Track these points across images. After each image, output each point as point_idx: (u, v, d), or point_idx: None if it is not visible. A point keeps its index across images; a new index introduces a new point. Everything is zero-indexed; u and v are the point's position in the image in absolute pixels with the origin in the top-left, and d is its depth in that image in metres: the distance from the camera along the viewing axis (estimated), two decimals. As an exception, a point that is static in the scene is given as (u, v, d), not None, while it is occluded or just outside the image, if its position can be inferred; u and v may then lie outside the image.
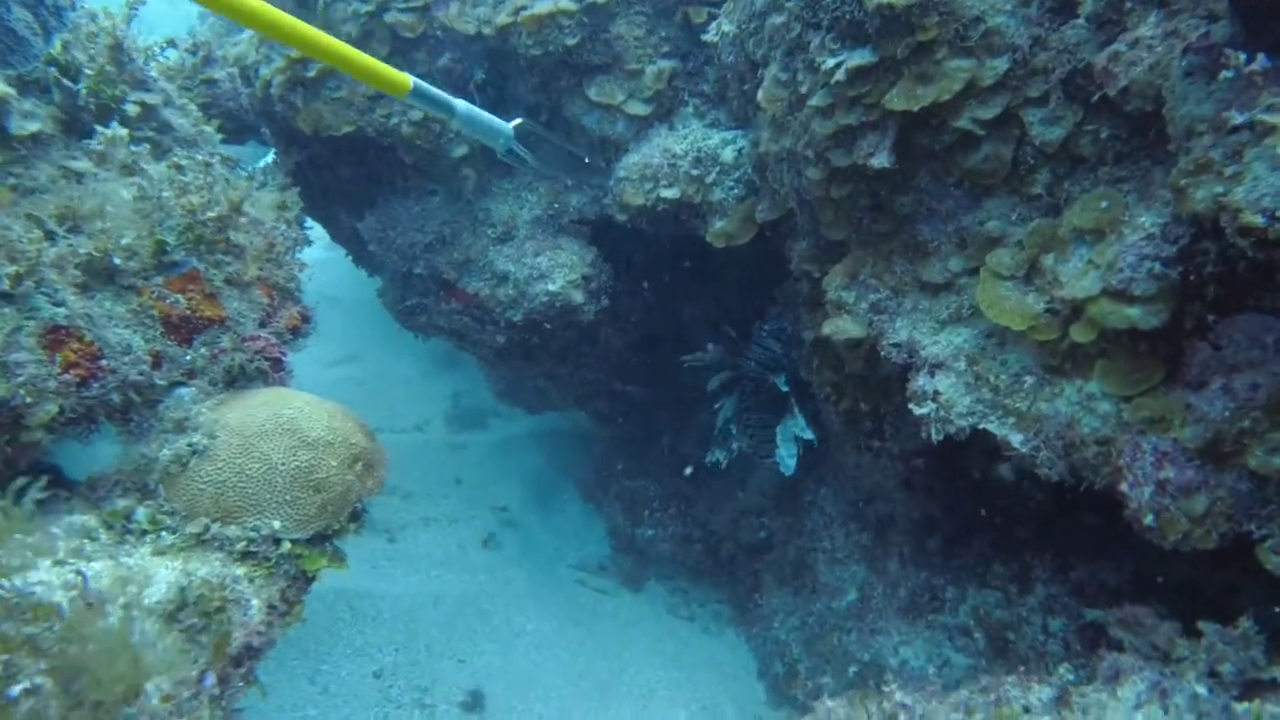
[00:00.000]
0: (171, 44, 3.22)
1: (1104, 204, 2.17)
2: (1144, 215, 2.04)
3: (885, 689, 2.06)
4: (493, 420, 6.40)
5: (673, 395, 4.70)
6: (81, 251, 2.21)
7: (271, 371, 2.52)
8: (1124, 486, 2.09)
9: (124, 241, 2.33)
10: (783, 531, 4.23)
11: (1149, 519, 2.01)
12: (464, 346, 3.87)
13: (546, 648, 4.50)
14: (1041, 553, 3.15)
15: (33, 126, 2.49)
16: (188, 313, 2.41)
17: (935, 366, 2.53)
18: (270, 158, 3.51)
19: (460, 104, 2.55)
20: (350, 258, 3.95)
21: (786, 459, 3.68)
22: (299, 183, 3.55)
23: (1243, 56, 1.58)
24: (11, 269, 2.06)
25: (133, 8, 2.74)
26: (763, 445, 4.00)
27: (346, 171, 3.58)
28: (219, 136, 3.08)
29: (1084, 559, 3.05)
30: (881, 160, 2.41)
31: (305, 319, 2.74)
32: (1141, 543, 2.60)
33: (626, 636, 4.57)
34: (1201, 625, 1.98)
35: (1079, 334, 2.12)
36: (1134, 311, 1.99)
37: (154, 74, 2.91)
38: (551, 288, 3.33)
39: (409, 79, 2.34)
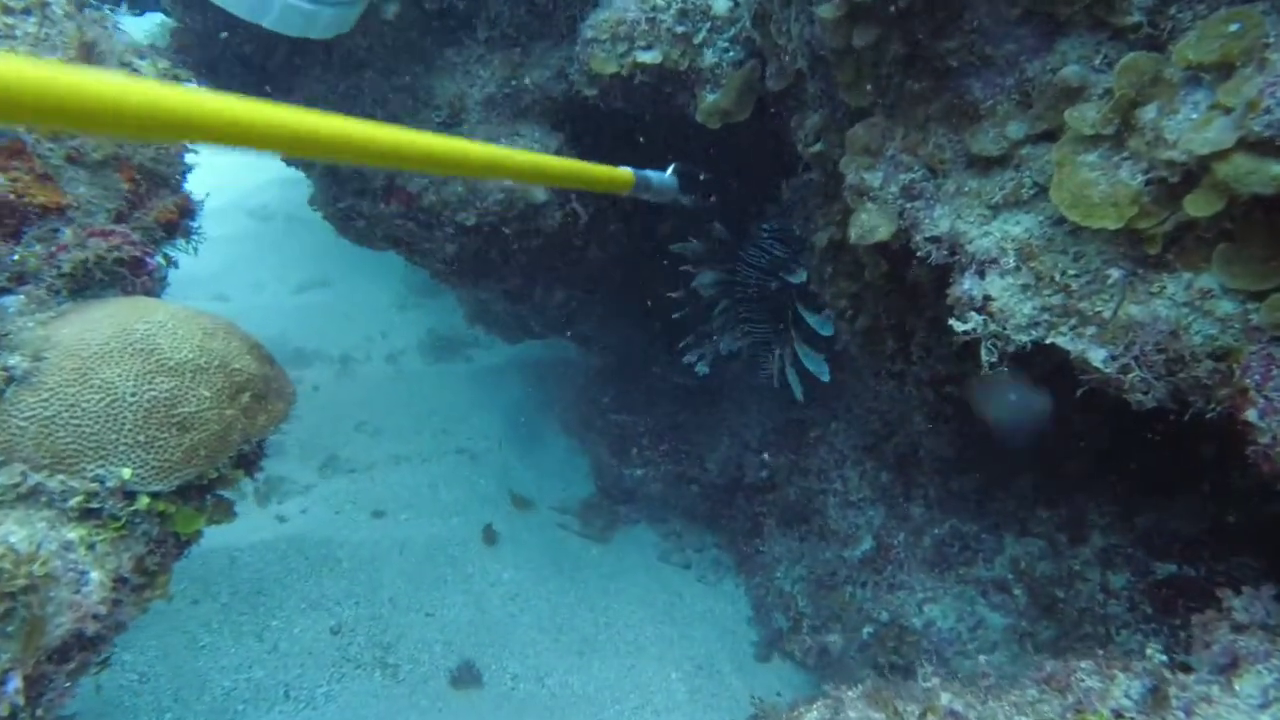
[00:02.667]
0: None
1: (1233, 27, 1.56)
2: (1303, 32, 1.44)
3: (925, 684, 1.55)
4: (471, 350, 5.88)
5: (665, 318, 4.14)
6: None
7: (131, 275, 1.96)
8: (1251, 414, 1.54)
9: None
10: (787, 470, 3.71)
11: (1290, 458, 1.47)
12: (413, 259, 3.30)
13: (524, 599, 4.06)
14: (1098, 495, 2.63)
15: None
16: (12, 198, 1.84)
17: (986, 264, 1.96)
18: (160, 21, 2.88)
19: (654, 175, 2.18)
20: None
21: (795, 380, 3.23)
22: (214, 58, 2.94)
23: None
24: None
25: None
26: (757, 356, 3.58)
27: (264, 44, 2.95)
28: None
29: (1151, 503, 2.53)
30: (923, -19, 1.79)
31: (185, 213, 2.17)
32: (1227, 483, 2.07)
33: (613, 586, 4.12)
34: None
35: (1198, 206, 1.54)
36: (1286, 169, 1.41)
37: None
38: (508, 183, 2.73)
39: (630, 173, 1.95)
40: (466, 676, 3.62)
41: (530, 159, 1.43)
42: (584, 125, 2.93)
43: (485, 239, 2.97)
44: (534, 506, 4.62)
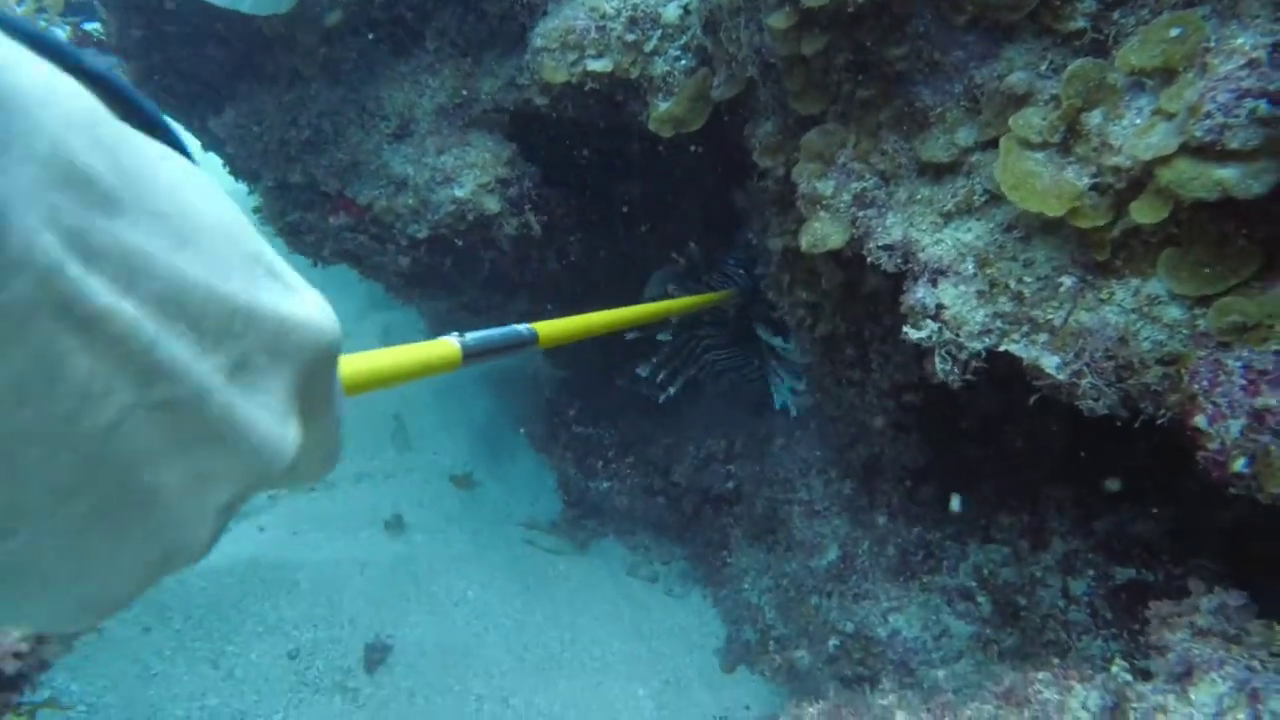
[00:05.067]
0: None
1: (1175, 31, 1.56)
2: (1240, 35, 1.44)
3: (881, 701, 1.52)
4: (434, 364, 5.79)
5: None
6: None
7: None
8: (1199, 420, 1.53)
9: None
10: (752, 481, 3.68)
11: (1240, 464, 1.46)
12: (368, 274, 3.23)
13: (489, 617, 3.98)
14: (1058, 500, 2.62)
15: None
16: None
17: (938, 273, 1.95)
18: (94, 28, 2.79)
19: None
20: (227, 168, 3.26)
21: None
22: (151, 67, 2.86)
23: None
24: None
25: None
26: (718, 375, 3.76)
27: (216, 53, 2.87)
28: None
29: (1109, 506, 2.53)
30: (867, -12, 1.77)
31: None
32: (1185, 487, 2.07)
33: (579, 602, 4.05)
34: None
35: (1144, 213, 1.53)
36: (1228, 173, 1.40)
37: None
38: (459, 193, 2.68)
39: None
40: (430, 699, 3.53)
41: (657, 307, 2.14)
42: (536, 135, 2.89)
43: (439, 251, 2.91)
44: (477, 485, 4.59)
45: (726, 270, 3.57)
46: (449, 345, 1.02)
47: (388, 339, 5.85)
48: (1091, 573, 2.44)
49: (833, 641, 2.90)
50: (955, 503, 2.70)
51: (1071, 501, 2.59)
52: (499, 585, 4.13)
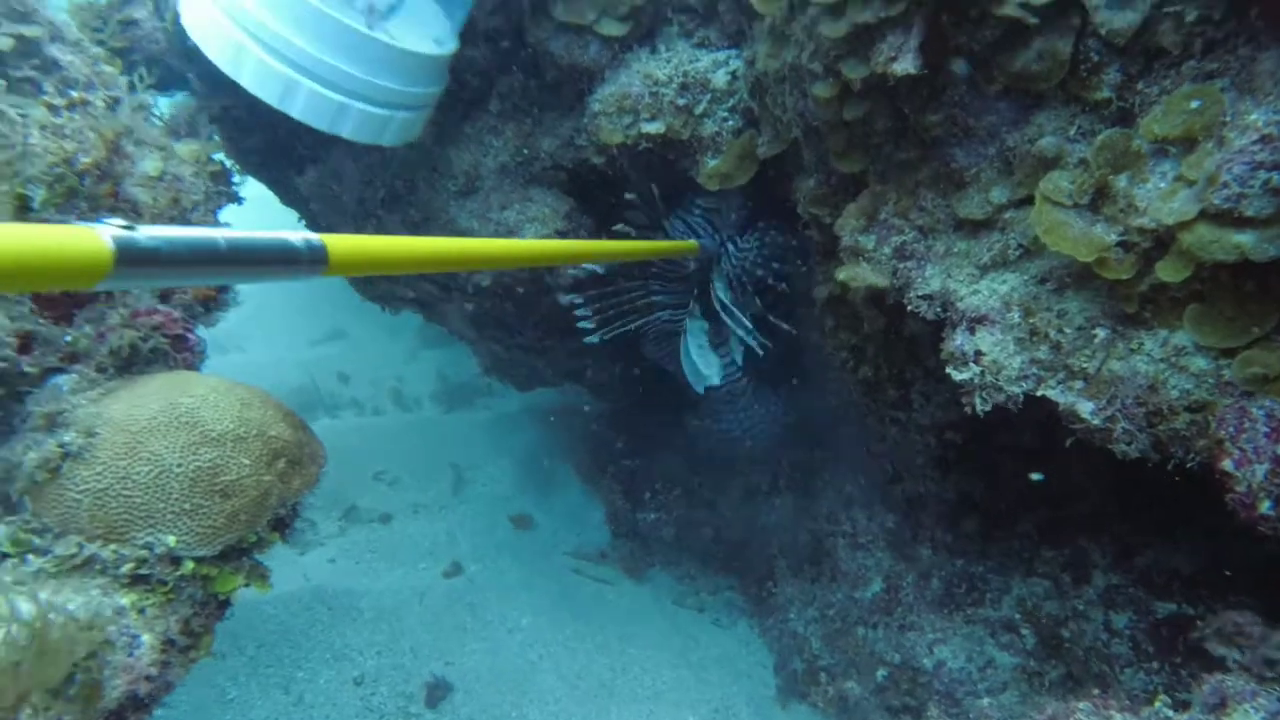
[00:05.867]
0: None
1: (1194, 104, 1.69)
2: (1254, 112, 1.56)
3: (928, 728, 1.63)
4: (484, 398, 6.00)
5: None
6: (-88, 211, 1.78)
7: (174, 352, 2.10)
8: (1227, 464, 1.64)
9: (-25, 200, 1.91)
10: (797, 513, 3.79)
11: (1265, 506, 1.56)
12: (433, 318, 3.44)
13: (542, 645, 4.12)
14: (1098, 535, 2.71)
15: None
16: (65, 285, 1.98)
17: (976, 321, 2.07)
18: (179, 99, 3.05)
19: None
20: (304, 223, 3.51)
21: (701, 370, 3.17)
22: (237, 136, 3.11)
23: None
24: None
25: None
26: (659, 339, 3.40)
27: (292, 121, 3.12)
28: (139, 82, 2.65)
29: (1149, 542, 2.61)
30: (906, 65, 1.93)
31: (222, 287, 2.30)
32: (1220, 524, 2.15)
33: (629, 631, 4.18)
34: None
35: (1168, 272, 1.65)
36: (1245, 238, 1.53)
37: (43, 8, 2.47)
38: (521, 246, 2.87)
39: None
40: (487, 725, 3.67)
41: (605, 246, 1.83)
42: (593, 190, 3.08)
43: (500, 298, 3.11)
44: (534, 524, 4.71)
45: (690, 220, 3.12)
46: (92, 239, 0.65)
47: (444, 378, 6.08)
48: (1133, 607, 2.52)
49: (880, 672, 3.00)
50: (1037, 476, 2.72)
51: (1112, 536, 2.67)
52: (551, 614, 4.27)
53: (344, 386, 6.39)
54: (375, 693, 3.80)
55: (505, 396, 5.87)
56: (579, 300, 3.06)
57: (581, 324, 3.06)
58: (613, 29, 2.64)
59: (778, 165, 2.69)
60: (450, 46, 2.54)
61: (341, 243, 1.03)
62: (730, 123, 2.63)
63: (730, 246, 3.13)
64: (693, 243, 2.62)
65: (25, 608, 1.61)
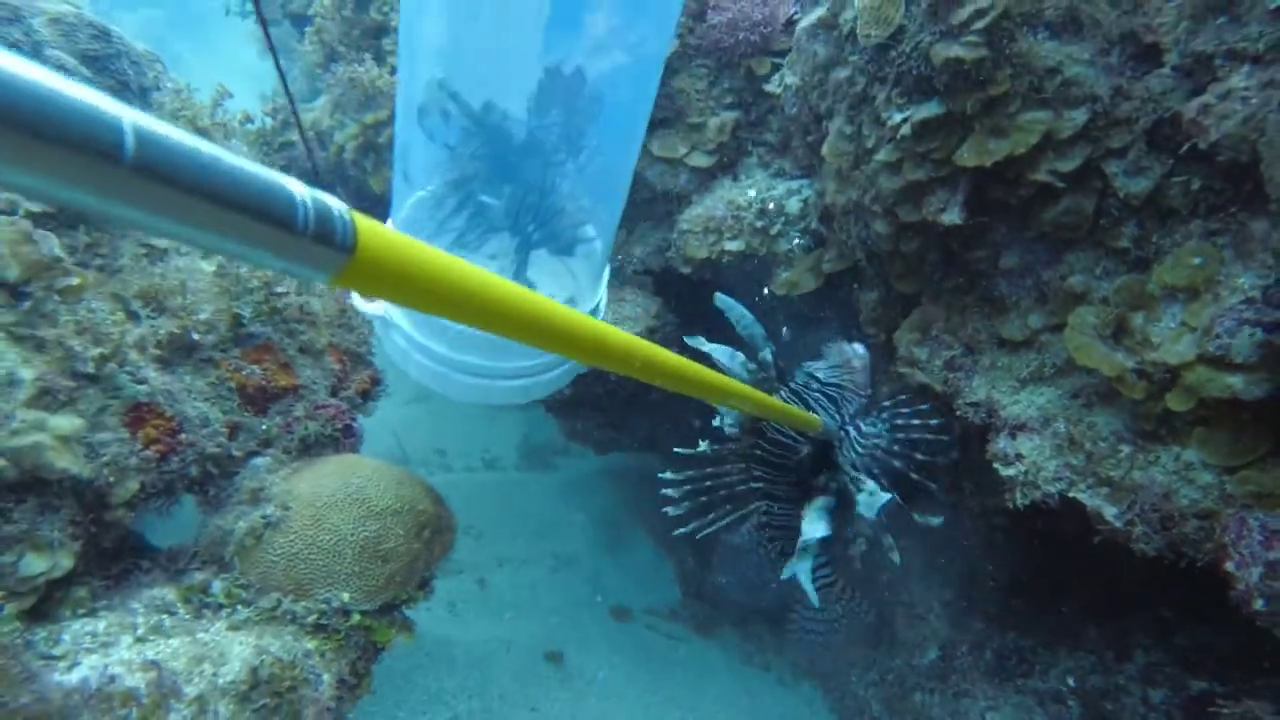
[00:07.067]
0: (249, 119, 3.34)
1: (1197, 260, 2.03)
2: (1243, 275, 1.90)
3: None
4: (562, 459, 6.42)
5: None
6: (162, 331, 2.28)
7: (343, 438, 2.56)
8: (1229, 566, 1.93)
9: (202, 317, 2.42)
10: (857, 583, 4.07)
11: (1259, 604, 1.85)
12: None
13: (617, 696, 4.45)
14: (1139, 616, 2.95)
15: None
16: (263, 383, 2.47)
17: (1017, 428, 2.41)
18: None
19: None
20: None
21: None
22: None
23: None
24: (96, 351, 2.15)
25: (219, 100, 2.85)
26: (764, 539, 2.89)
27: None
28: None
29: (1186, 625, 2.85)
30: (952, 217, 2.31)
31: (376, 382, 2.78)
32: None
33: (699, 686, 4.48)
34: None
35: (1175, 402, 1.98)
36: (1235, 380, 1.85)
37: (238, 146, 3.03)
38: (616, 341, 3.31)
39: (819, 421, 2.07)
40: (569, 769, 4.01)
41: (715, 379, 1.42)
42: (679, 293, 3.51)
43: (596, 382, 3.53)
44: (632, 616, 5.02)
45: (806, 391, 2.64)
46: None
47: (525, 438, 6.52)
48: (1169, 684, 2.76)
49: (935, 735, 3.26)
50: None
51: (1152, 617, 2.92)
52: (626, 668, 4.61)
53: (431, 444, 6.90)
54: (468, 734, 4.18)
55: (583, 459, 6.27)
56: (671, 477, 2.53)
57: (667, 509, 2.53)
58: (701, 161, 3.09)
59: (840, 278, 3.07)
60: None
61: (382, 238, 0.70)
62: (800, 242, 3.04)
63: (852, 430, 2.59)
64: (815, 418, 2.07)
65: (237, 649, 2.06)
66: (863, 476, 2.47)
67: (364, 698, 2.44)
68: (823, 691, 4.28)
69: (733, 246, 3.04)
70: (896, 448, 2.65)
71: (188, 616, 2.15)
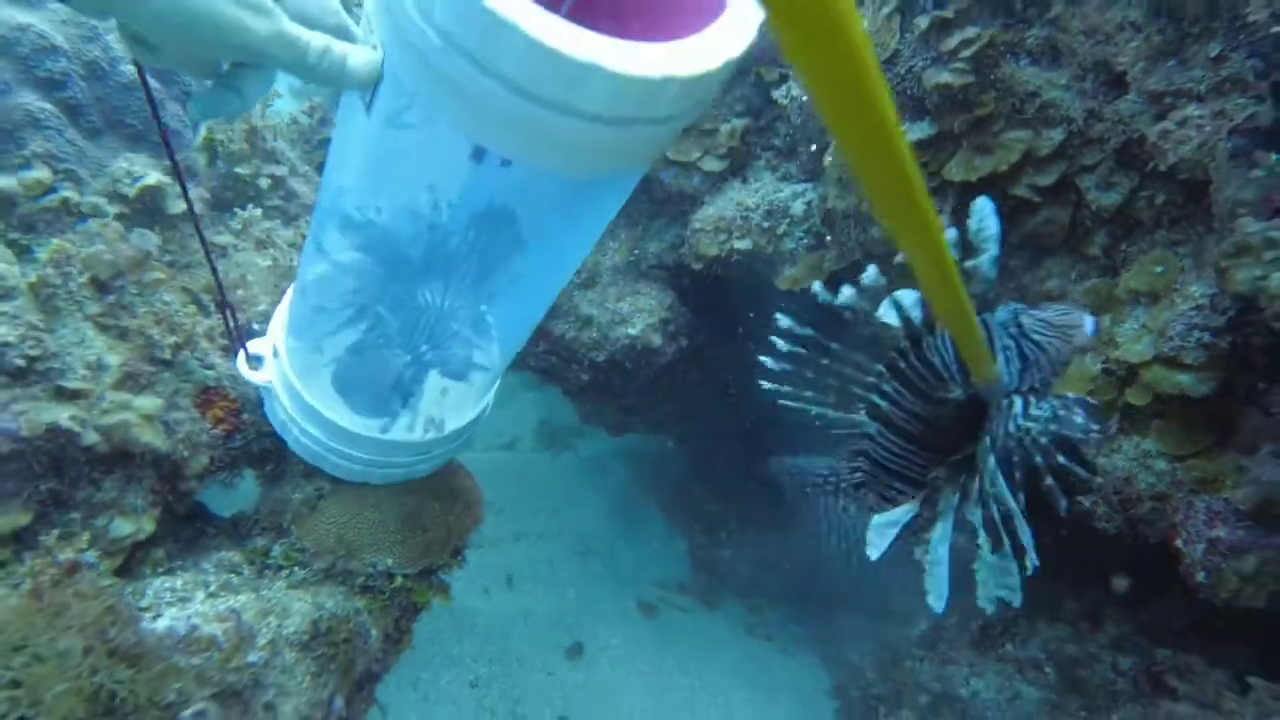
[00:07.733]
0: (294, 120, 3.59)
1: (1159, 269, 2.25)
2: (1195, 284, 2.12)
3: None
4: (578, 440, 6.69)
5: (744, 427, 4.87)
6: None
7: (384, 421, 2.82)
8: (1178, 543, 2.17)
9: (260, 308, 2.68)
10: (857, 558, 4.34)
11: (1201, 576, 2.09)
12: (550, 382, 4.14)
13: (629, 663, 4.74)
14: (1110, 591, 3.20)
15: (182, 207, 2.86)
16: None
17: (997, 417, 2.64)
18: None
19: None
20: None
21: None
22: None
23: (1274, 157, 1.67)
24: (172, 340, 2.42)
25: (268, 102, 3.10)
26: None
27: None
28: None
29: (1152, 599, 3.09)
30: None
31: (411, 370, 3.04)
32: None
33: (706, 655, 4.77)
34: (1251, 680, 2.05)
35: (1134, 397, 2.21)
36: (1185, 379, 2.08)
37: (282, 146, 3.28)
38: (632, 331, 3.55)
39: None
40: (587, 729, 4.31)
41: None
42: (691, 287, 3.75)
43: (611, 371, 3.78)
44: (658, 611, 5.21)
45: (1003, 331, 1.72)
46: None
47: (542, 420, 6.79)
48: (1136, 653, 3.01)
49: (923, 698, 3.52)
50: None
51: (1122, 592, 3.17)
52: (639, 637, 4.89)
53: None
54: (488, 694, 4.48)
55: (598, 440, 6.54)
56: (786, 325, 1.88)
57: (764, 359, 1.93)
58: (713, 165, 3.32)
59: (842, 275, 3.30)
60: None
61: None
62: (804, 241, 3.26)
63: (1019, 403, 1.80)
64: (995, 366, 1.58)
65: (297, 605, 2.34)
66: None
67: (405, 652, 2.73)
68: (821, 659, 4.55)
69: (741, 245, 3.28)
70: (1045, 440, 1.81)
71: (252, 576, 2.43)
